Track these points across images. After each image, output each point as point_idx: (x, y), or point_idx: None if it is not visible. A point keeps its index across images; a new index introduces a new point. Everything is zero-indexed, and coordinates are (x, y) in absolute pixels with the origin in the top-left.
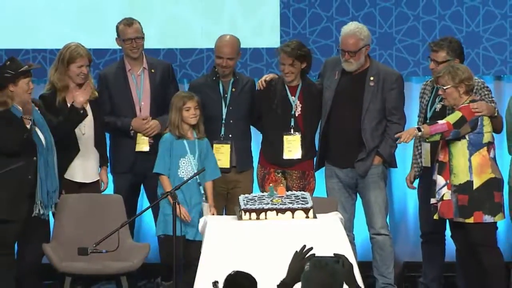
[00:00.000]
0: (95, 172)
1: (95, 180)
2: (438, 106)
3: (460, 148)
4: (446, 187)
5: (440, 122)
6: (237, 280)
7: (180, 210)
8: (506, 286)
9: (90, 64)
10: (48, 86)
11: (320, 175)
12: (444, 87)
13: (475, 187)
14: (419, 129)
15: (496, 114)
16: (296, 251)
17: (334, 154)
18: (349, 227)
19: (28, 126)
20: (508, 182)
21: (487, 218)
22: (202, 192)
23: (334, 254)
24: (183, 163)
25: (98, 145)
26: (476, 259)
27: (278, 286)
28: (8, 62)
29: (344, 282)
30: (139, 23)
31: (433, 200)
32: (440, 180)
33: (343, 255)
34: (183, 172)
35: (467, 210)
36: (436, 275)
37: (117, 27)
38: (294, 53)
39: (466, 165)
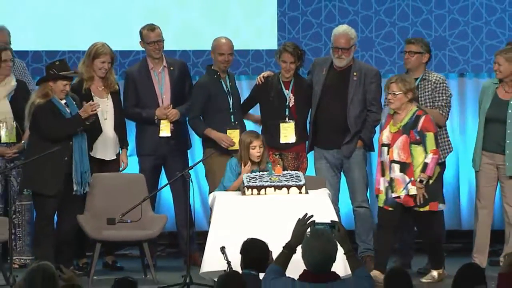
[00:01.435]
0: (115, 151)
1: (114, 158)
2: None
3: (420, 151)
4: (411, 183)
5: (426, 160)
6: (253, 243)
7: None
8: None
9: (113, 62)
10: (78, 78)
11: (310, 157)
12: (396, 93)
13: (431, 182)
14: (421, 181)
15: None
16: (299, 218)
17: (322, 139)
18: (334, 201)
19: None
20: (472, 166)
21: (441, 206)
22: None
23: (331, 220)
24: None
25: (117, 128)
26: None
27: (284, 247)
28: (57, 62)
29: (338, 245)
30: (159, 28)
31: (394, 195)
32: (405, 178)
33: (338, 222)
34: None
35: (424, 200)
36: (408, 241)
37: (141, 32)
38: (296, 53)
39: (422, 165)
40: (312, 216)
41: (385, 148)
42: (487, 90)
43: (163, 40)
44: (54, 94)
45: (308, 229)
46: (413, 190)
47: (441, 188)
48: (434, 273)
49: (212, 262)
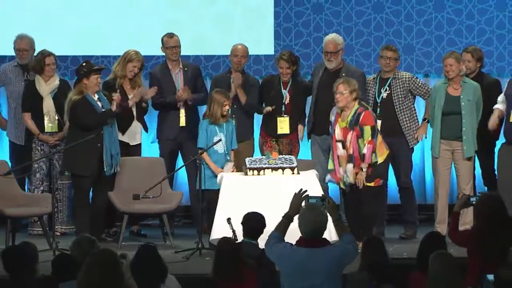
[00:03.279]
0: (138, 137)
1: (138, 143)
2: (384, 95)
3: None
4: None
5: (364, 151)
6: (252, 216)
7: (215, 168)
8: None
9: (142, 67)
10: (111, 76)
11: (302, 144)
12: (343, 92)
13: (379, 163)
14: (361, 169)
15: None
16: (295, 193)
17: (317, 126)
18: (324, 179)
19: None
20: (432, 153)
21: (382, 182)
22: (228, 158)
23: (322, 194)
24: (216, 139)
25: (139, 118)
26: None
27: (283, 217)
28: (84, 63)
29: (328, 216)
30: (177, 36)
31: (348, 180)
32: (349, 167)
33: (328, 195)
34: (217, 146)
35: (371, 177)
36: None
37: (162, 39)
38: (290, 59)
39: None
40: (306, 190)
41: (340, 144)
42: (438, 90)
43: (180, 46)
44: (87, 91)
45: (303, 203)
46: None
47: (388, 167)
48: None
49: (219, 230)
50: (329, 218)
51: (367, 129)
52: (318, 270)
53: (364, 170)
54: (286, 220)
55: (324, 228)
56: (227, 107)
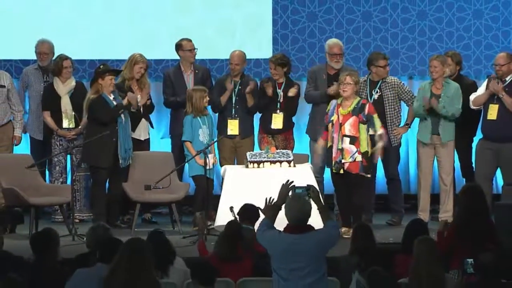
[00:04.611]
0: (146, 133)
1: (147, 138)
2: (375, 96)
3: (364, 129)
4: (357, 153)
5: (379, 132)
6: (248, 206)
7: (210, 161)
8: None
9: (147, 68)
10: (120, 79)
11: (298, 139)
12: (350, 83)
13: (368, 155)
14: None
15: None
16: (283, 183)
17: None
18: (321, 172)
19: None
20: (416, 137)
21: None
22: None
23: (307, 184)
24: (201, 132)
25: (145, 116)
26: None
27: (272, 205)
28: (101, 66)
29: (312, 205)
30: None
31: (343, 161)
32: (352, 148)
33: (312, 185)
34: (201, 136)
35: (367, 168)
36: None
37: (180, 44)
38: (277, 62)
39: (365, 140)
40: (293, 181)
41: (337, 126)
42: (424, 88)
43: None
44: (103, 90)
45: (290, 193)
46: (358, 158)
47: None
48: (343, 229)
49: (223, 218)
50: (314, 206)
51: (376, 117)
52: (303, 253)
53: (381, 145)
54: (275, 209)
55: (308, 216)
56: (206, 100)
